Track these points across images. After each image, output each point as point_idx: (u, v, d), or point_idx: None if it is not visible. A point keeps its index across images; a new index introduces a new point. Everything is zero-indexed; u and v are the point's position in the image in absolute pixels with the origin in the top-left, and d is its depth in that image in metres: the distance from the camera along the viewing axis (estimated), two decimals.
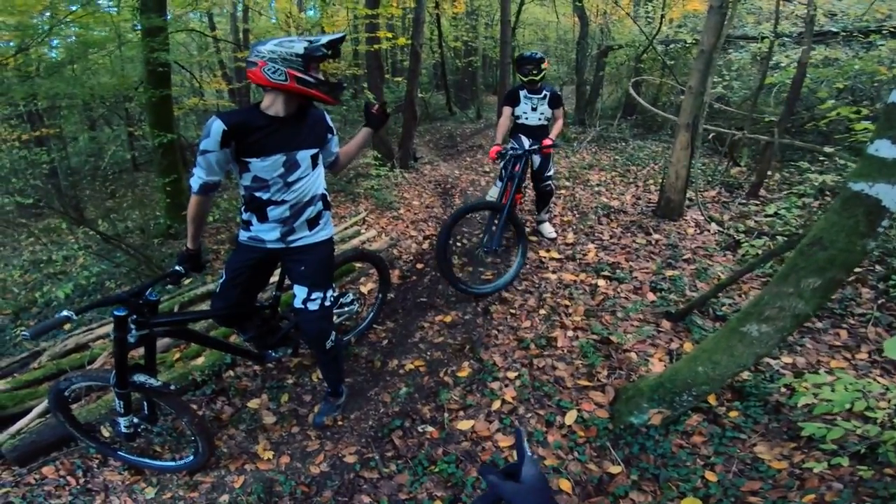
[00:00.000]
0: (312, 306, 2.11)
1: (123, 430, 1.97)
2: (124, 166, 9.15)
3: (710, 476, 1.86)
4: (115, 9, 6.40)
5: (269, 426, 2.46)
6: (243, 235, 2.13)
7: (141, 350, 1.95)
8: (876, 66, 4.69)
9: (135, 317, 1.82)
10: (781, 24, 6.11)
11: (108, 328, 3.27)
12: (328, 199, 2.19)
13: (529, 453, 0.71)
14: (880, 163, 1.52)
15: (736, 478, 1.85)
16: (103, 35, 6.26)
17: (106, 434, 2.36)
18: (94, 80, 7.47)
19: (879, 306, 2.80)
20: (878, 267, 3.17)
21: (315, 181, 2.08)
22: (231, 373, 2.81)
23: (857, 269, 3.12)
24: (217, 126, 1.79)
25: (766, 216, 4.10)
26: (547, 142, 3.63)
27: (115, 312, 1.79)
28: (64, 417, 2.14)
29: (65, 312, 1.64)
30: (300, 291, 2.11)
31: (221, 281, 2.17)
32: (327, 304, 2.14)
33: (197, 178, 1.89)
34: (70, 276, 5.11)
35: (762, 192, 4.71)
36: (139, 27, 5.53)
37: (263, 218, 2.03)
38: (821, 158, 4.94)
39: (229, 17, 13.43)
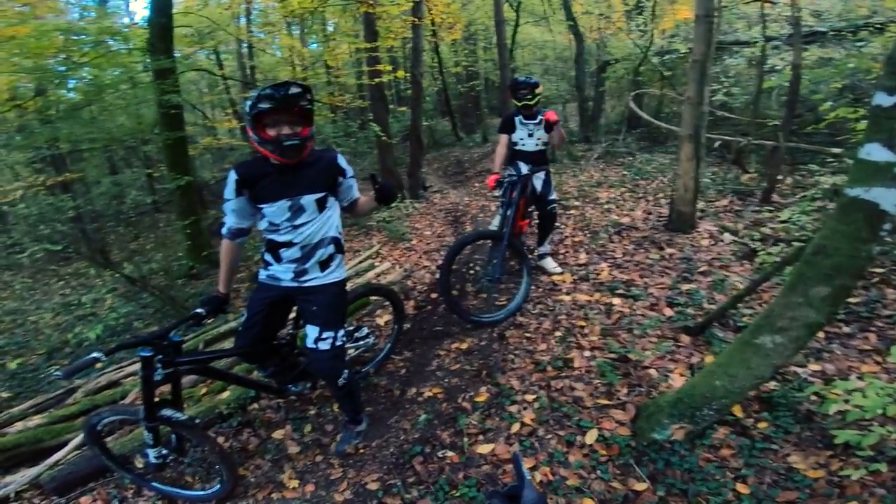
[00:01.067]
0: (323, 346, 2.15)
1: (153, 460, 2.07)
2: (146, 208, 9.48)
3: (742, 488, 1.84)
4: (126, 48, 6.66)
5: (293, 456, 2.51)
6: (263, 274, 2.25)
7: (167, 386, 2.06)
8: (870, 64, 4.68)
9: (160, 357, 1.93)
10: (771, 26, 6.12)
11: (137, 366, 3.41)
12: (342, 242, 2.26)
13: (529, 476, 0.74)
14: (873, 167, 1.53)
15: (770, 489, 1.82)
16: (116, 75, 6.52)
17: (139, 465, 2.44)
18: (111, 121, 7.80)
19: None
20: None
21: (325, 224, 2.14)
22: (255, 405, 2.90)
23: (879, 271, 3.08)
24: (232, 176, 1.99)
25: (781, 222, 4.04)
26: (551, 115, 3.52)
27: (141, 353, 1.90)
28: (99, 450, 2.26)
29: (94, 354, 1.77)
30: (312, 331, 2.17)
31: (244, 319, 2.28)
32: (338, 343, 2.19)
33: (226, 223, 2.10)
34: (99, 318, 5.32)
35: (775, 197, 4.66)
36: (149, 68, 5.74)
37: (278, 258, 2.15)
38: (829, 160, 4.90)
39: (235, 54, 13.93)
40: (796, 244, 3.49)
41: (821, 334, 2.64)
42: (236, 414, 2.81)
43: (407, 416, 2.66)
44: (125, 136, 7.87)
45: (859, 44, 5.42)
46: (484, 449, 2.26)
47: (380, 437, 2.54)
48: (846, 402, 1.76)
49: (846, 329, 2.69)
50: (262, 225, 2.12)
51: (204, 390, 3.07)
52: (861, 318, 2.75)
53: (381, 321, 3.76)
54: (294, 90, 1.87)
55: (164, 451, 2.09)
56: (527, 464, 2.13)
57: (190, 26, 8.84)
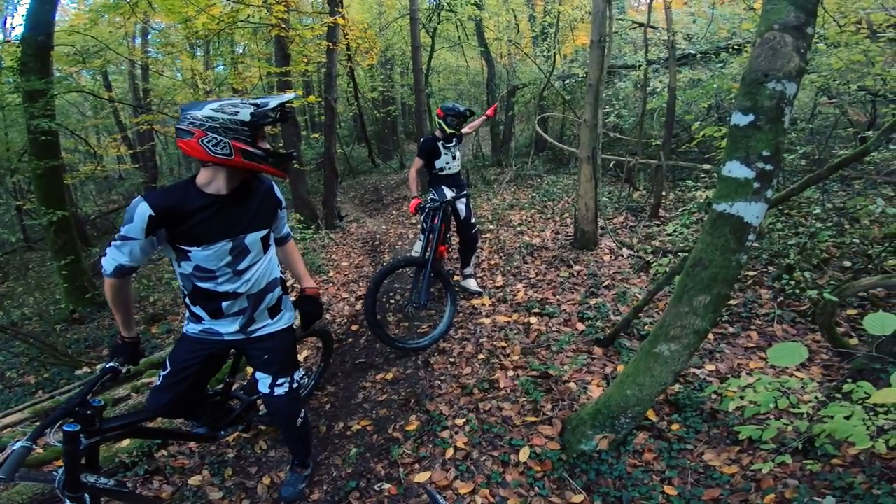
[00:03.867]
0: (280, 391, 1.99)
1: None
2: (15, 246, 8.23)
3: (670, 490, 1.94)
4: None
5: (216, 501, 2.31)
6: (193, 328, 1.88)
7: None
8: (731, 84, 5.18)
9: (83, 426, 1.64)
10: (652, 51, 6.76)
11: (14, 417, 3.07)
12: (285, 281, 2.06)
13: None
14: (735, 183, 1.69)
15: (694, 488, 1.94)
16: None
17: None
18: None
19: (779, 304, 3.10)
20: (770, 268, 3.52)
21: (270, 265, 1.88)
22: (164, 452, 2.64)
23: (751, 273, 3.47)
24: (142, 211, 1.53)
25: (668, 235, 4.45)
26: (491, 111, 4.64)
27: (66, 428, 1.59)
28: None
29: (22, 443, 1.45)
30: (264, 378, 1.98)
31: (164, 374, 1.90)
32: (295, 385, 2.05)
33: (111, 258, 1.63)
34: None
35: (661, 211, 5.13)
36: (19, 89, 5.13)
37: (217, 313, 1.80)
38: (702, 175, 5.54)
39: (127, 75, 12.86)
40: (681, 254, 3.88)
41: (710, 336, 2.93)
42: (142, 461, 2.54)
43: (337, 451, 2.56)
44: None
45: (721, 65, 6.00)
46: (421, 477, 2.23)
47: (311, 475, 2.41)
48: (741, 398, 1.84)
49: (731, 329, 3.01)
50: (185, 269, 1.71)
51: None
52: (742, 318, 3.09)
53: (300, 356, 3.59)
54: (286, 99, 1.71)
55: None
56: (465, 488, 2.13)
57: (73, 45, 7.99)
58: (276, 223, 1.93)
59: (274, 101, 1.62)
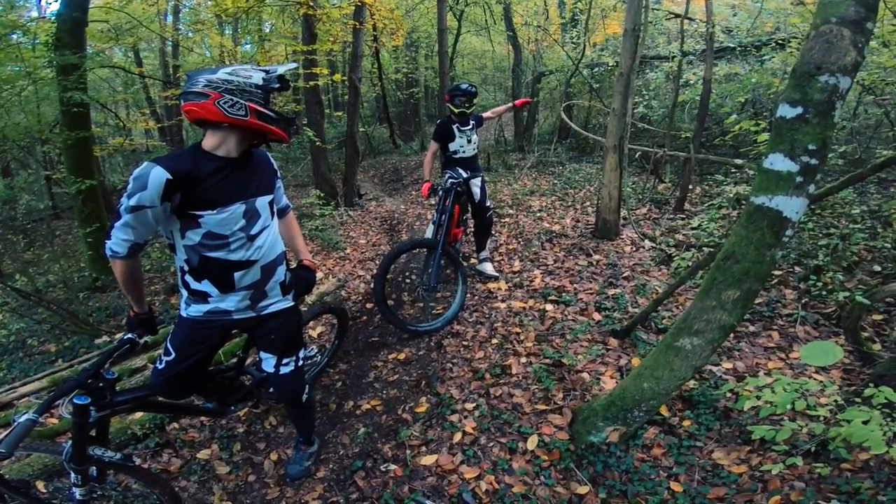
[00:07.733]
0: (285, 370, 2.00)
1: (79, 498, 1.73)
2: (42, 215, 8.49)
3: (676, 486, 1.92)
4: (29, 43, 5.99)
5: (223, 476, 2.35)
6: (196, 309, 1.80)
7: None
8: (770, 79, 5.05)
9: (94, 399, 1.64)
10: (687, 42, 6.57)
11: (32, 386, 3.12)
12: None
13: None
14: (776, 176, 1.63)
15: (701, 486, 1.91)
16: (15, 71, 5.84)
17: (43, 490, 2.15)
18: (4, 119, 6.96)
19: (804, 305, 3.00)
20: (797, 268, 3.41)
21: (277, 235, 1.87)
22: (175, 425, 2.69)
23: (777, 273, 3.35)
24: (158, 175, 1.47)
25: (692, 229, 4.35)
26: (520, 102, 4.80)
27: (76, 401, 1.57)
28: None
29: (28, 416, 1.45)
30: (269, 358, 1.99)
31: (168, 359, 1.84)
32: (300, 363, 2.05)
33: (120, 239, 1.58)
34: None
35: (686, 205, 5.01)
36: (54, 63, 5.24)
37: (228, 286, 1.75)
38: (733, 170, 5.38)
39: (158, 52, 13.06)
40: (706, 249, 3.77)
41: (731, 334, 2.86)
42: (154, 434, 2.59)
43: (345, 430, 2.57)
44: (20, 135, 7.03)
45: (762, 59, 5.81)
46: (428, 460, 2.23)
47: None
48: (758, 398, 1.81)
49: (752, 328, 2.93)
50: (193, 240, 1.64)
51: None
52: (764, 318, 3.00)
53: (313, 333, 3.62)
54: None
55: (92, 486, 1.76)
56: (471, 473, 2.12)
57: (107, 21, 8.11)
58: (275, 192, 1.91)
59: (280, 69, 1.67)
